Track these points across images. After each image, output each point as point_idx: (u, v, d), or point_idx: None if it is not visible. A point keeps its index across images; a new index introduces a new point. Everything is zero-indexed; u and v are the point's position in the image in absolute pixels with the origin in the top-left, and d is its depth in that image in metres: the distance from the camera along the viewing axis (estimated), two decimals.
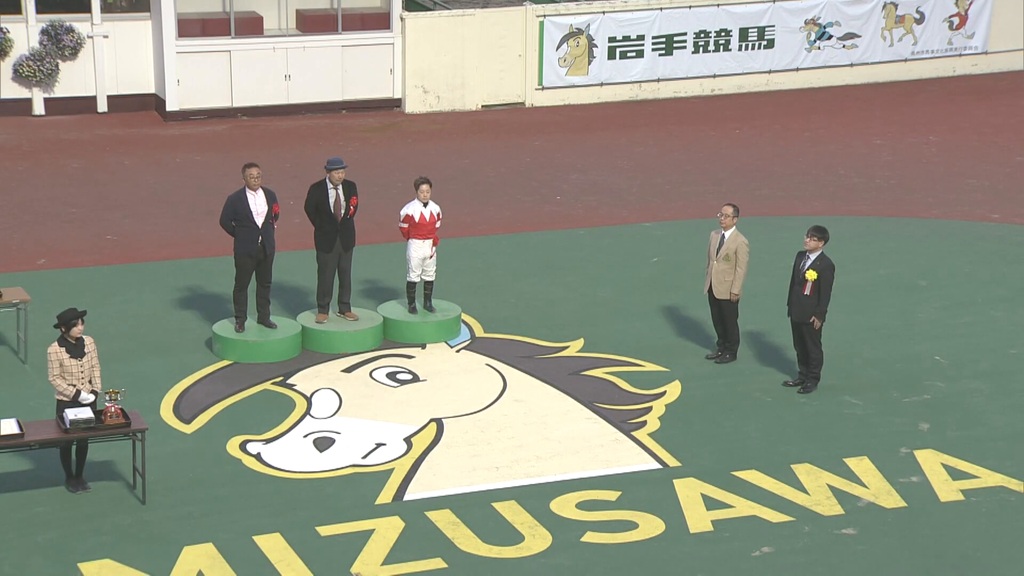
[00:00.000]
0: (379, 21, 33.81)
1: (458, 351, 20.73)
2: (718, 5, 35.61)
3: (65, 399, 16.33)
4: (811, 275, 19.07)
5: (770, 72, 36.51)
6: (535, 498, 16.75)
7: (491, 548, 15.78)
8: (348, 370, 19.99)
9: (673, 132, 33.22)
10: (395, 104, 34.02)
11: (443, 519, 16.28)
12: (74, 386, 16.32)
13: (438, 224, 20.79)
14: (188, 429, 18.26)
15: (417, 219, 20.60)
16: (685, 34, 35.59)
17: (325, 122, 32.92)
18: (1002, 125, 34.20)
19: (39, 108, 32.39)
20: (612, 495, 16.87)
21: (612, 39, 35.11)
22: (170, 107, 32.47)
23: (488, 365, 20.26)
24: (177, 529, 15.94)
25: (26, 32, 31.95)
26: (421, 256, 20.72)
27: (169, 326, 21.32)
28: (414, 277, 20.91)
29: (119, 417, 16.24)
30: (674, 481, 17.21)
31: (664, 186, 29.05)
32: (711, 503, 16.76)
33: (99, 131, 31.73)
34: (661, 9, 35.28)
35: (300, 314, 21.04)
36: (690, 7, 35.46)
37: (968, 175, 30.17)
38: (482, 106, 34.52)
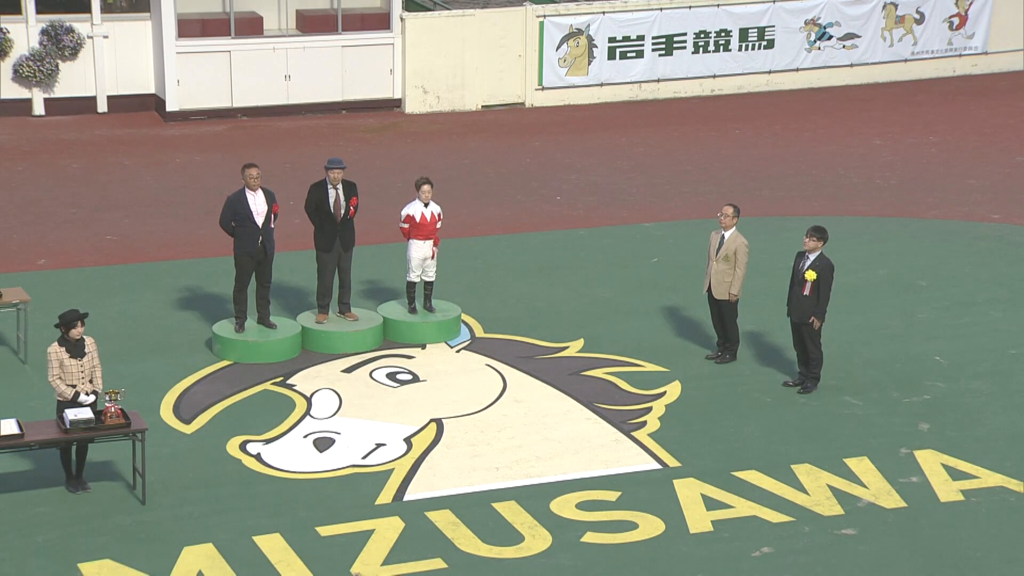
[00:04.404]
0: (379, 21, 33.82)
1: (458, 351, 20.73)
2: (718, 5, 35.62)
3: (64, 400, 16.34)
4: (810, 275, 19.07)
5: (770, 72, 36.52)
6: (535, 498, 16.75)
7: (491, 548, 15.78)
8: (348, 370, 19.99)
9: (673, 132, 33.23)
10: (395, 104, 34.02)
11: (443, 519, 16.28)
12: (73, 387, 16.32)
13: (439, 225, 20.79)
14: (188, 429, 18.26)
15: (418, 219, 20.60)
16: (685, 34, 35.60)
17: (325, 122, 32.93)
18: (1002, 125, 34.20)
19: (39, 108, 32.40)
20: (612, 495, 16.88)
21: (612, 39, 35.12)
22: (170, 107, 32.48)
23: (488, 365, 20.26)
24: (177, 529, 15.94)
25: (26, 32, 31.96)
26: (421, 256, 20.72)
27: (169, 326, 21.32)
28: (414, 277, 20.91)
29: (119, 417, 16.24)
30: (674, 481, 17.21)
31: (664, 186, 29.05)
32: (711, 503, 16.76)
33: (99, 131, 31.73)
34: (661, 9, 35.28)
35: (300, 314, 21.04)
36: (690, 7, 35.47)
37: (968, 175, 30.18)
38: (482, 106, 34.53)
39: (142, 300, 22.29)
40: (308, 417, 18.66)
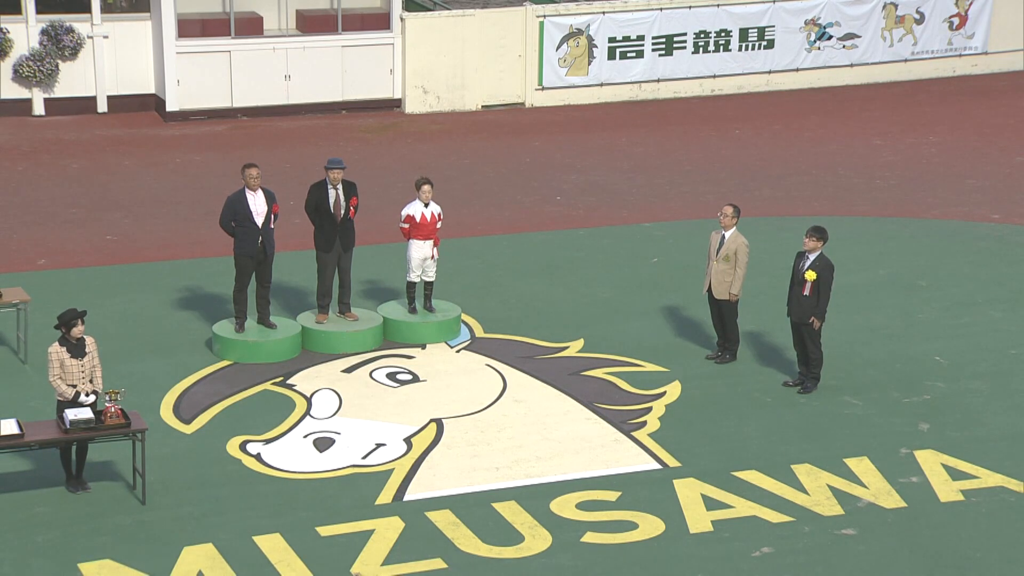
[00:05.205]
0: (379, 21, 33.83)
1: (458, 351, 20.73)
2: (718, 5, 35.62)
3: (65, 400, 16.35)
4: (810, 275, 19.07)
5: (770, 72, 36.52)
6: (535, 498, 16.75)
7: (491, 548, 15.78)
8: (348, 370, 19.99)
9: (673, 132, 33.23)
10: (395, 104, 34.03)
11: (443, 519, 16.28)
12: (74, 387, 16.33)
13: (439, 225, 20.79)
14: (188, 429, 18.26)
15: (418, 219, 20.60)
16: (685, 34, 35.60)
17: (325, 122, 32.93)
18: (1002, 125, 34.21)
19: (39, 108, 32.41)
20: (612, 495, 16.87)
21: (612, 39, 35.12)
22: (170, 107, 32.48)
23: (488, 365, 20.26)
24: (177, 529, 15.94)
25: (26, 32, 31.97)
26: (421, 257, 20.72)
27: (169, 326, 21.32)
28: (414, 277, 20.91)
29: (119, 417, 16.24)
30: (674, 481, 17.21)
31: (664, 186, 29.05)
32: (711, 503, 16.76)
33: (99, 131, 31.74)
34: (661, 9, 35.29)
35: (300, 314, 21.04)
36: (690, 7, 35.48)
37: (968, 175, 30.18)
38: (482, 106, 34.53)
39: (142, 300, 22.28)
40: (308, 417, 18.66)
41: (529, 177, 29.49)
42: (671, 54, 35.66)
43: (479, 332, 21.35)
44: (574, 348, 20.89)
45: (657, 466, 17.60)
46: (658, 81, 35.72)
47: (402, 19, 33.67)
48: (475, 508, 16.52)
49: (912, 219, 27.03)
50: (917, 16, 37.53)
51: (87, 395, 16.40)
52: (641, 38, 35.34)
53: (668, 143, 32.34)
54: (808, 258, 19.20)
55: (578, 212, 27.21)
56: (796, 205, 27.80)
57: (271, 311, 20.55)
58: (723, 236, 20.02)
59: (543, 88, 34.90)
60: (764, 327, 21.38)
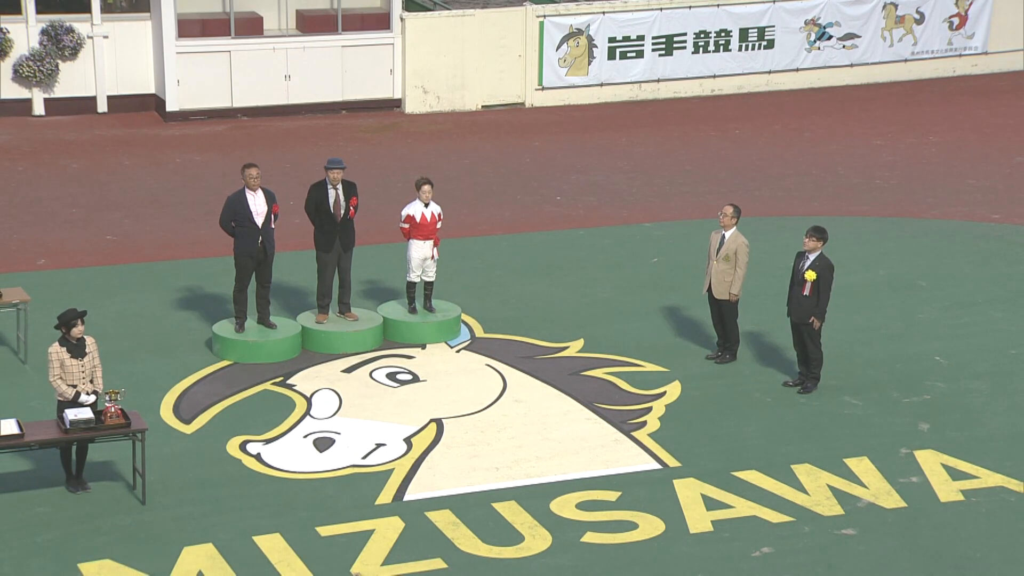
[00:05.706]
0: (379, 21, 33.83)
1: (458, 351, 20.73)
2: (718, 5, 35.62)
3: (65, 400, 16.35)
4: (810, 275, 19.07)
5: (770, 72, 36.52)
6: (535, 498, 16.75)
7: (491, 548, 15.78)
8: (348, 370, 19.99)
9: (673, 132, 33.23)
10: (395, 104, 34.03)
11: (443, 519, 16.28)
12: (74, 387, 16.33)
13: (439, 225, 20.79)
14: (188, 429, 18.26)
15: (418, 219, 20.60)
16: (685, 34, 35.61)
17: (325, 122, 32.93)
18: (1002, 125, 34.20)
19: (39, 108, 32.41)
20: (612, 495, 16.88)
21: (612, 39, 35.13)
22: (170, 107, 32.48)
23: (488, 365, 20.26)
24: (177, 529, 15.94)
25: (26, 32, 31.97)
26: (421, 257, 20.73)
27: (169, 326, 21.32)
28: (414, 277, 20.91)
29: (119, 417, 16.24)
30: (674, 481, 17.22)
31: (664, 186, 29.05)
32: (711, 503, 16.76)
33: (99, 131, 31.73)
34: (661, 9, 35.29)
35: (300, 314, 21.04)
36: (690, 7, 35.48)
37: (968, 175, 30.18)
38: (482, 106, 34.53)
39: (142, 300, 22.28)
40: (308, 417, 18.66)
41: (529, 177, 29.49)
42: (671, 54, 35.66)
43: (479, 332, 21.35)
44: (574, 348, 20.89)
45: (657, 466, 17.60)
46: (658, 81, 35.72)
47: (402, 19, 33.68)
48: (475, 508, 16.52)
49: (912, 219, 27.03)
50: (917, 16, 37.53)
51: (87, 395, 16.41)
52: (641, 38, 35.34)
53: (668, 143, 32.34)
54: (808, 258, 19.20)
55: (578, 212, 27.21)
56: (796, 205, 27.80)
57: (271, 311, 20.55)
58: (723, 236, 20.02)
59: (543, 88, 34.91)
60: (764, 327, 21.38)
